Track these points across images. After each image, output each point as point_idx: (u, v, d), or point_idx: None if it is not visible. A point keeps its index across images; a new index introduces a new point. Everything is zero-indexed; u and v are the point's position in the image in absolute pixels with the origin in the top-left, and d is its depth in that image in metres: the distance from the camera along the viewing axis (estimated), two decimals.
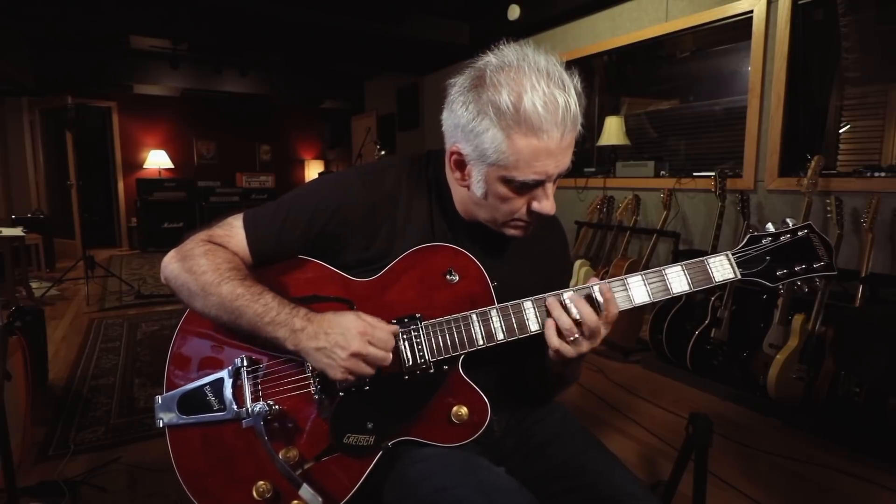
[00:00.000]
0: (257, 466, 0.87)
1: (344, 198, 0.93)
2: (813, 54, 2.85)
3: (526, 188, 0.85)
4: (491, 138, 0.80)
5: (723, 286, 2.24)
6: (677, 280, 0.88)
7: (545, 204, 0.86)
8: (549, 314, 0.86)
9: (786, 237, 0.90)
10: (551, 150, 0.80)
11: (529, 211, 0.88)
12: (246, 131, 8.89)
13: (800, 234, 0.90)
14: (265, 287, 0.87)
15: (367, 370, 0.82)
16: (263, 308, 0.84)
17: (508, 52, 0.81)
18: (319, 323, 0.83)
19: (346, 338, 0.81)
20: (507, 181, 0.83)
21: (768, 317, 2.52)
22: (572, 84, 0.80)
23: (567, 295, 0.86)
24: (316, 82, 7.96)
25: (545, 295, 0.87)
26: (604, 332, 0.86)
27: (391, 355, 0.84)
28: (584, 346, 0.85)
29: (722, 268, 0.89)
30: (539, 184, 0.84)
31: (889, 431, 2.06)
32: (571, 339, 0.84)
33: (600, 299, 0.85)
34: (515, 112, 0.77)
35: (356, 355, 0.81)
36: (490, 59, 0.82)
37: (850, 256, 2.48)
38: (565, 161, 0.83)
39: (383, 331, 0.83)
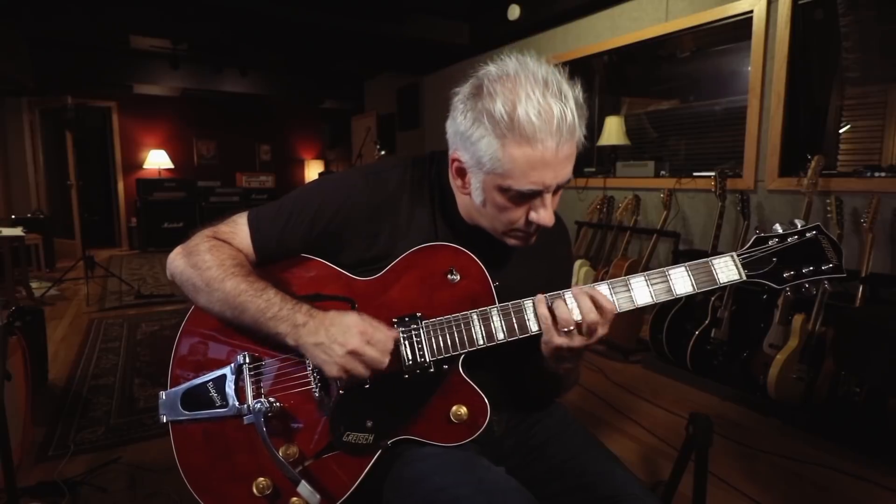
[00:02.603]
0: (257, 463, 0.87)
1: (347, 198, 0.94)
2: (813, 54, 2.85)
3: (523, 198, 0.84)
4: (486, 146, 0.80)
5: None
6: (681, 281, 0.87)
7: (542, 214, 0.85)
8: (549, 304, 0.85)
9: (793, 238, 0.89)
10: (547, 159, 0.79)
11: (528, 221, 0.87)
12: (246, 131, 8.89)
13: (808, 235, 0.89)
14: (268, 283, 0.88)
15: (363, 371, 0.83)
16: (266, 303, 0.85)
17: (508, 62, 0.81)
18: (321, 319, 0.84)
19: (346, 335, 0.81)
20: (504, 190, 0.83)
21: (768, 317, 2.52)
22: (572, 95, 0.79)
23: (569, 294, 0.86)
24: (316, 82, 7.95)
25: (546, 294, 0.87)
26: (601, 330, 0.85)
27: (388, 359, 0.84)
28: (577, 341, 0.85)
29: (727, 269, 0.87)
30: (536, 194, 0.83)
31: (889, 431, 2.06)
32: (566, 330, 0.84)
33: (602, 303, 0.85)
34: (509, 121, 0.77)
35: (353, 353, 0.81)
36: (490, 68, 0.82)
37: (850, 256, 2.48)
38: (564, 172, 0.82)
39: (383, 333, 0.84)
